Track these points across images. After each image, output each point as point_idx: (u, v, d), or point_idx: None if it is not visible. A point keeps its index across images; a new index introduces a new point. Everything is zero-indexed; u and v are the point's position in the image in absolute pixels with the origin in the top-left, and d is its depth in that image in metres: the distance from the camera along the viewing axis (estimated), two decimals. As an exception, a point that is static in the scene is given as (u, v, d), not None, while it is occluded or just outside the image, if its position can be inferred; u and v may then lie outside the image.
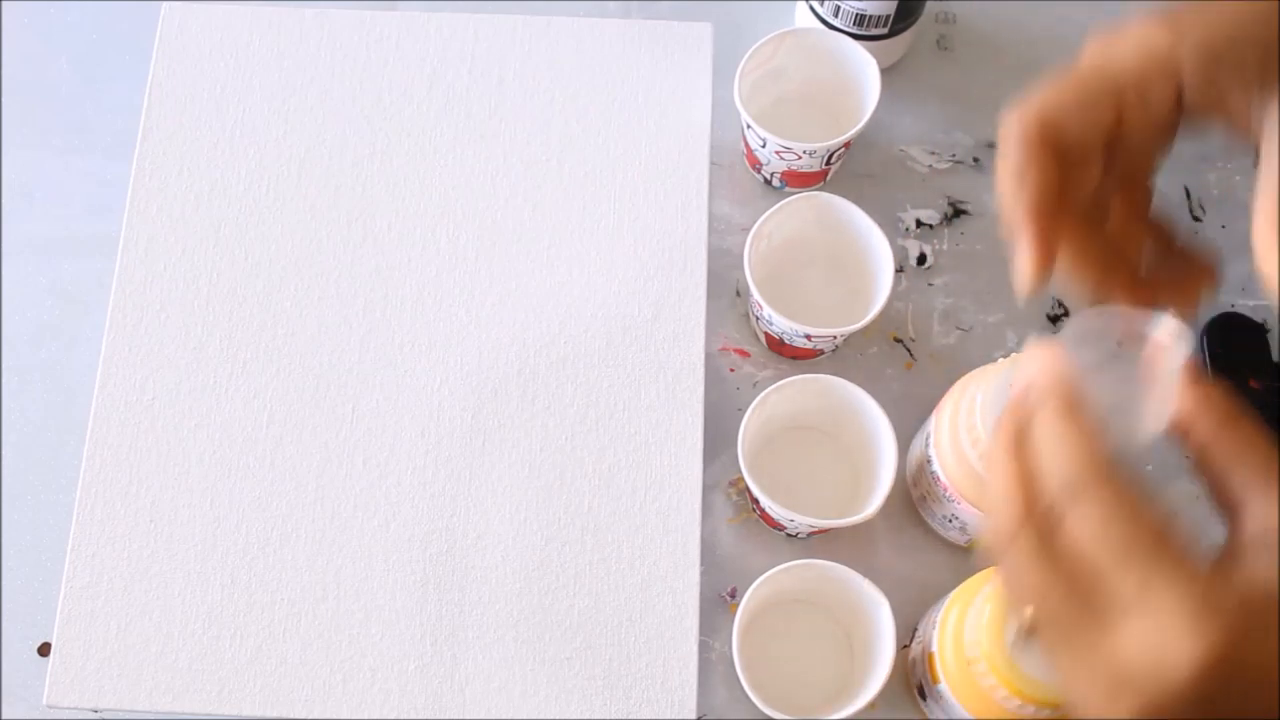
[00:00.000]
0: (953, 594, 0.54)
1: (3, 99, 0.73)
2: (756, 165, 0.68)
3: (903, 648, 0.60)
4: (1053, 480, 0.36)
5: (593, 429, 0.61)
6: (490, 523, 0.59)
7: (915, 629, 0.59)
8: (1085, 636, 0.35)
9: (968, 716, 0.52)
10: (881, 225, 0.62)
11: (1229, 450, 0.37)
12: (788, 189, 0.69)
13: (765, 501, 0.58)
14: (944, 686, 0.53)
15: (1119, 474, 0.35)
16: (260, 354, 0.62)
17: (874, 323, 0.62)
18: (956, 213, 0.69)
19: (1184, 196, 0.69)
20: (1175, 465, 0.64)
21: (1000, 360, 0.56)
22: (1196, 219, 0.69)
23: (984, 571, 0.53)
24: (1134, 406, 0.38)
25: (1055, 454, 0.36)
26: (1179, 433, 0.38)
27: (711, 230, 0.66)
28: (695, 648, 0.58)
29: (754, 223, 0.62)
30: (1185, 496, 0.63)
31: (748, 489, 0.60)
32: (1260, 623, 0.33)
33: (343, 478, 0.60)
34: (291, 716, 0.57)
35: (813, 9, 0.57)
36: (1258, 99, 0.40)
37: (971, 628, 0.50)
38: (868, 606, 0.57)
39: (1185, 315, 0.39)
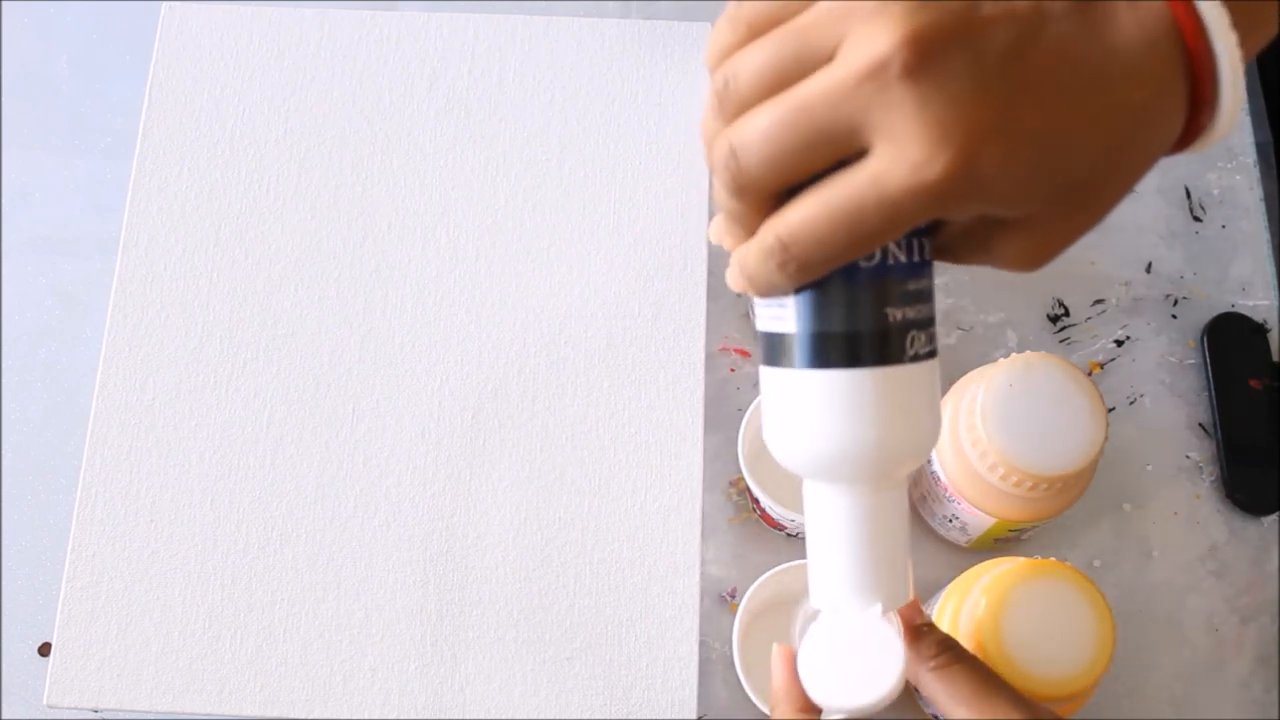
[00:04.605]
0: (948, 588, 0.54)
1: (2, 99, 0.73)
2: (756, 165, 0.68)
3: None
4: None
5: (593, 429, 0.61)
6: (490, 523, 0.59)
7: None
8: None
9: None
10: (881, 225, 0.61)
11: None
12: (788, 189, 0.69)
13: (765, 501, 0.58)
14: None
15: None
16: (260, 354, 0.62)
17: (874, 323, 0.61)
18: (956, 213, 0.69)
19: (1184, 196, 0.69)
20: (1175, 465, 0.64)
21: (1000, 360, 0.56)
22: (1196, 219, 0.69)
23: (979, 565, 0.53)
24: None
25: None
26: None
27: (711, 230, 0.66)
28: (695, 648, 0.58)
29: (754, 223, 0.62)
30: (1184, 496, 0.63)
31: (748, 489, 0.60)
32: None
33: (343, 478, 0.60)
34: (291, 716, 0.57)
35: None
36: None
37: (966, 621, 0.51)
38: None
39: None
